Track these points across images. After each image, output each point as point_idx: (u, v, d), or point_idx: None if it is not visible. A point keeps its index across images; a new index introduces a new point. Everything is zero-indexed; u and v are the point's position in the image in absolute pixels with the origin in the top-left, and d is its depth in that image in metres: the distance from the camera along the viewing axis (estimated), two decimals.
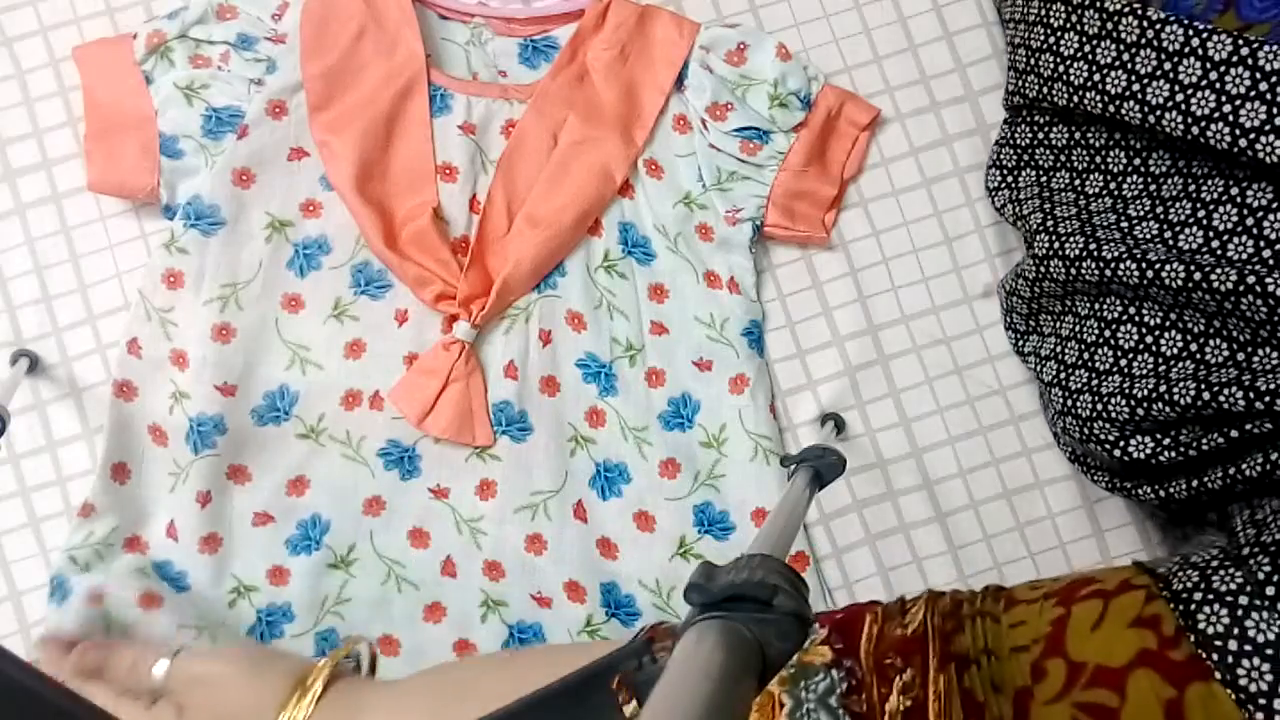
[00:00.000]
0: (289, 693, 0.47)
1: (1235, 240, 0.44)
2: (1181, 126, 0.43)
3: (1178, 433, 0.46)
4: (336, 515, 0.57)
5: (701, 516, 0.57)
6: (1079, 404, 0.50)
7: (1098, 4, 0.47)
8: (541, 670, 0.42)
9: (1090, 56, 0.47)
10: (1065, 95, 0.49)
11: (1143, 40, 0.45)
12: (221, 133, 0.57)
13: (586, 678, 0.38)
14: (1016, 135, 0.56)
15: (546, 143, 0.58)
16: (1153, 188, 0.48)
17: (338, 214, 0.57)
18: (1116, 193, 0.50)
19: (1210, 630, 0.33)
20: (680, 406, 0.58)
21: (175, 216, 0.57)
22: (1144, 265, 0.46)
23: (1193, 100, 0.43)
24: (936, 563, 0.59)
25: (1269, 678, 0.32)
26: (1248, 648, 0.32)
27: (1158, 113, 0.44)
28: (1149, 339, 0.48)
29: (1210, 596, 0.34)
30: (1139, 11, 0.45)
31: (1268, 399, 0.41)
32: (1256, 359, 0.43)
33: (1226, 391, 0.42)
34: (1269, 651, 0.32)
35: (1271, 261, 0.42)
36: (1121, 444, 0.48)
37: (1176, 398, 0.44)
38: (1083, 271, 0.49)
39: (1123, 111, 0.46)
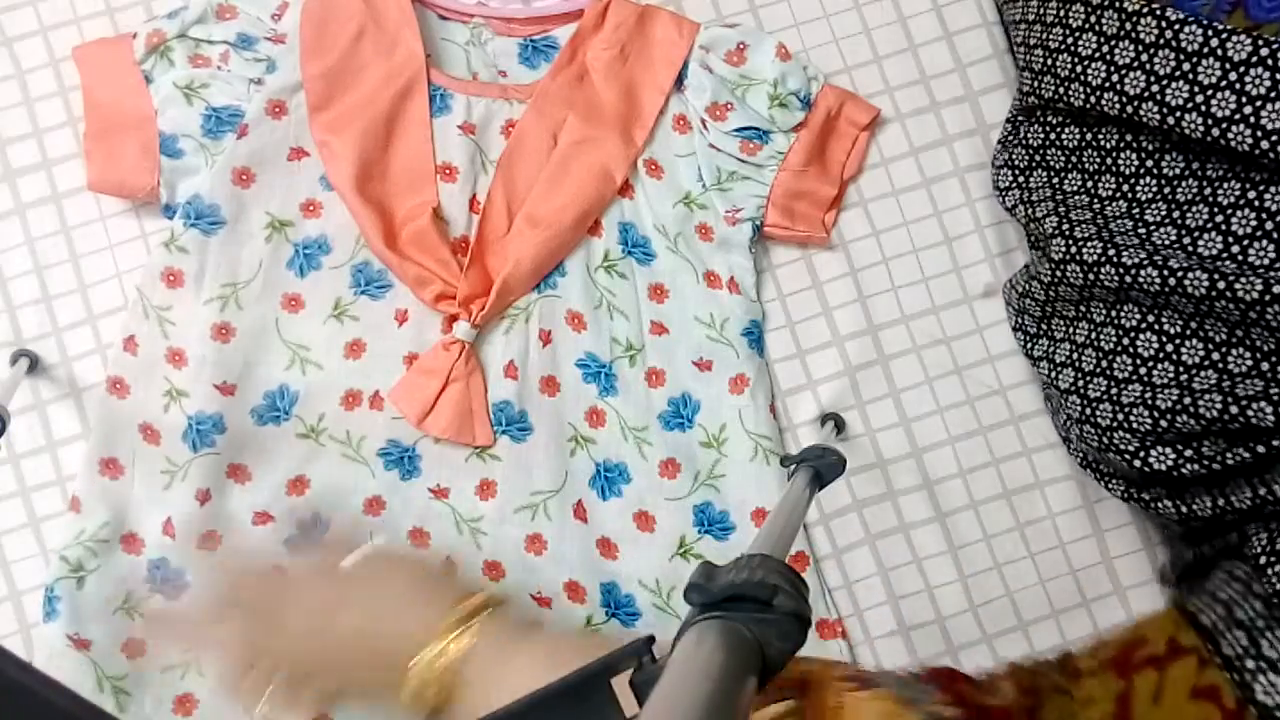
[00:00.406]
0: (448, 619, 0.45)
1: (1255, 245, 0.43)
2: (1201, 128, 0.43)
3: (1200, 445, 0.45)
4: (337, 515, 0.57)
5: (701, 516, 0.57)
6: (1099, 412, 0.50)
7: (1117, 4, 0.47)
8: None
9: (1109, 57, 0.47)
10: (1082, 95, 0.49)
11: (1161, 41, 0.44)
12: (221, 132, 0.57)
13: (586, 678, 0.38)
14: (1029, 135, 0.56)
15: (546, 143, 0.58)
16: (1166, 190, 0.48)
17: (338, 214, 0.57)
18: (1130, 195, 0.50)
19: (1270, 702, 0.34)
20: (680, 406, 0.58)
21: (175, 216, 0.57)
22: (1165, 272, 0.45)
23: (1213, 101, 0.42)
24: (936, 563, 0.59)
25: None
26: None
27: (1177, 114, 0.44)
28: (1169, 347, 0.47)
29: (1264, 665, 0.34)
30: (1158, 12, 0.44)
31: None
32: None
33: (1255, 406, 0.41)
34: None
35: None
36: (1142, 454, 0.47)
37: (1202, 411, 0.44)
38: (1101, 277, 0.48)
39: (1141, 112, 0.46)
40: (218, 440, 0.55)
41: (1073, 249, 0.50)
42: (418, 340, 0.57)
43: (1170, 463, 0.46)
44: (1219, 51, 0.42)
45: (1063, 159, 0.54)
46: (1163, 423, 0.46)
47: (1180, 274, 0.44)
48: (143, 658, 0.55)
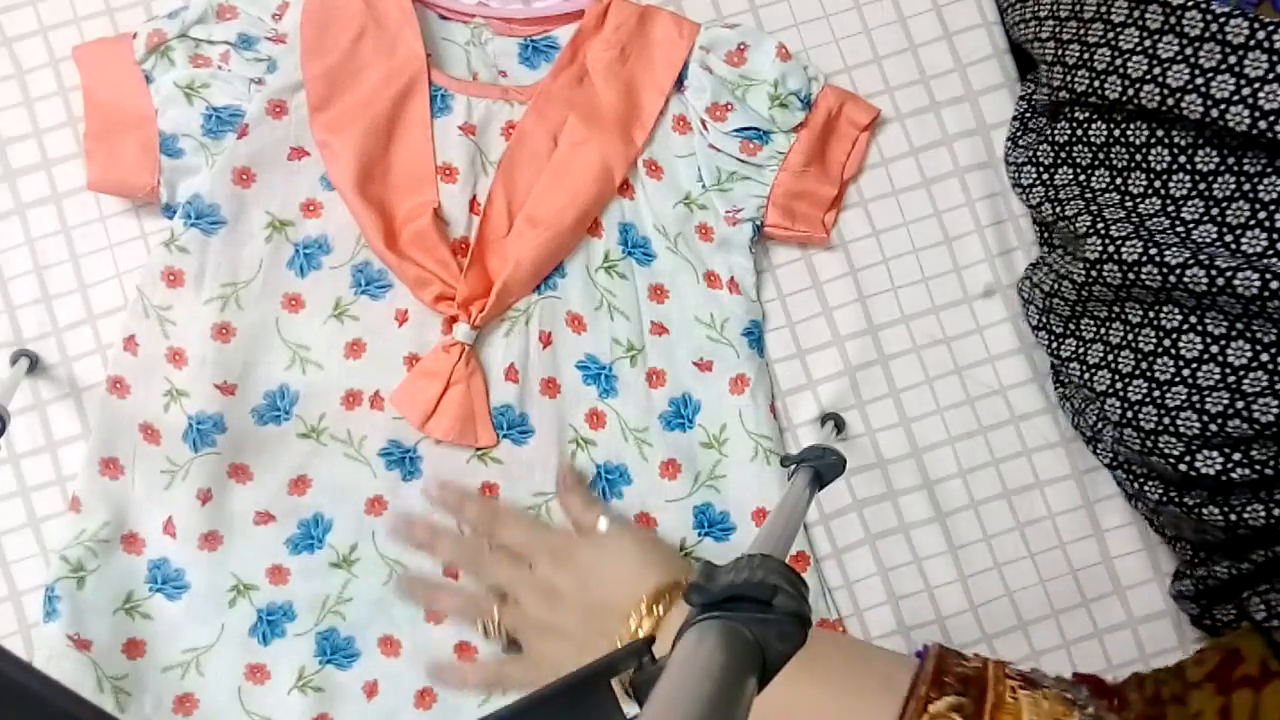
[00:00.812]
0: (652, 597, 0.49)
1: None
2: (1247, 121, 0.43)
3: (1249, 448, 0.45)
4: (339, 515, 0.57)
5: (701, 518, 0.57)
6: (1142, 416, 0.49)
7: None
8: (887, 660, 0.45)
9: (1151, 51, 0.47)
10: (1119, 89, 0.49)
11: (1207, 34, 0.44)
12: (222, 132, 0.57)
13: (586, 678, 0.38)
14: (1055, 132, 0.56)
15: (547, 144, 0.58)
16: (1202, 186, 0.47)
17: (338, 214, 0.57)
18: (1164, 193, 0.49)
19: None
20: (681, 407, 0.58)
21: (175, 215, 0.57)
22: (1214, 272, 0.44)
23: (1260, 94, 0.42)
24: (936, 563, 0.59)
25: None
26: None
27: (1221, 106, 0.44)
28: (1214, 349, 0.46)
29: None
30: (1203, 5, 0.44)
31: None
32: None
33: None
34: None
35: None
36: (1188, 459, 0.47)
37: (1256, 415, 0.43)
38: (1143, 277, 0.48)
39: (1183, 105, 0.45)
40: (218, 440, 0.55)
41: (1109, 248, 0.49)
42: (418, 341, 0.57)
43: (1218, 467, 0.46)
44: (1265, 44, 0.42)
45: (1089, 155, 0.54)
46: (1212, 426, 0.45)
47: (1230, 274, 0.44)
48: (143, 658, 0.55)
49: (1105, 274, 0.50)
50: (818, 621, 0.57)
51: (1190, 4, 0.45)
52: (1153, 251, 0.47)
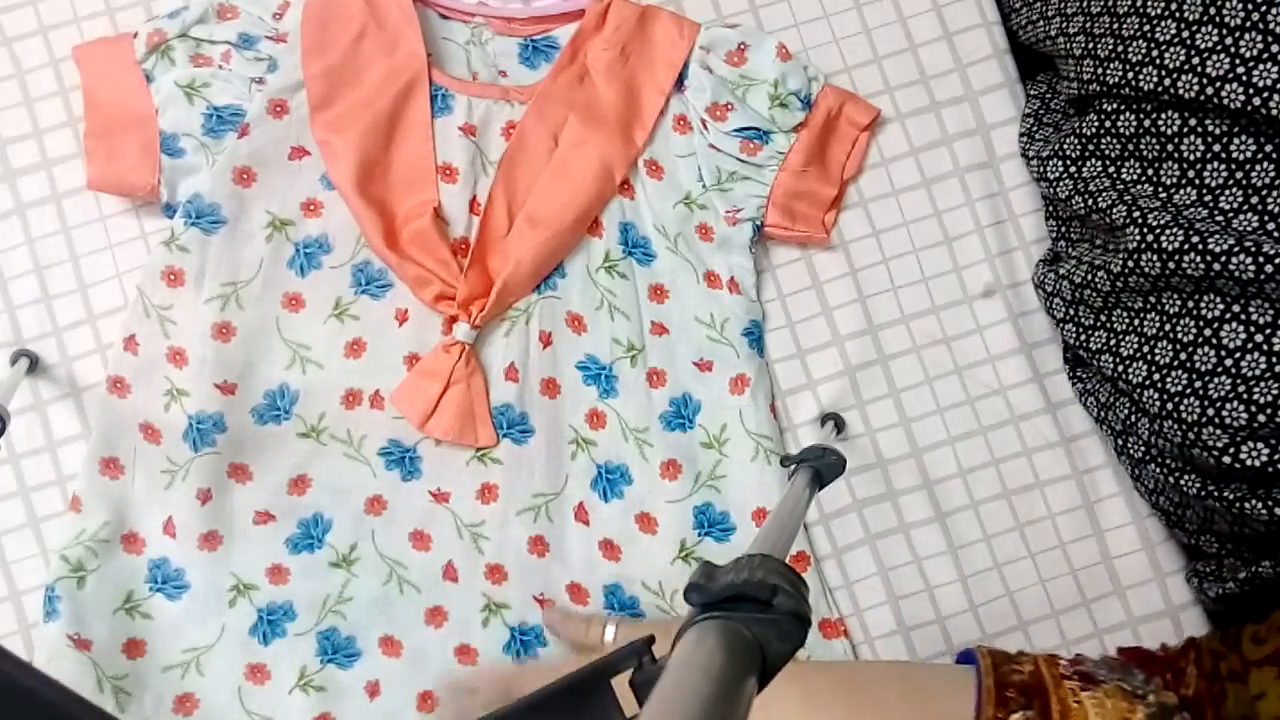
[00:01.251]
0: None
1: None
2: None
3: None
4: (338, 514, 0.57)
5: (701, 518, 0.57)
6: (1183, 408, 0.48)
7: None
8: (943, 683, 0.44)
9: (1190, 42, 0.46)
10: (1154, 79, 0.48)
11: (1248, 24, 0.44)
12: (222, 131, 0.57)
13: (586, 678, 0.38)
14: (1083, 125, 0.55)
15: (547, 144, 0.58)
16: (1239, 175, 0.47)
17: (338, 213, 0.57)
18: (1199, 182, 0.48)
19: None
20: (681, 407, 0.58)
21: (176, 215, 0.57)
22: (1261, 259, 0.44)
23: None
24: (936, 563, 0.59)
25: None
26: None
27: (1264, 94, 0.43)
28: (1259, 337, 0.45)
29: None
30: None
31: None
32: None
33: None
34: None
35: None
36: (1232, 450, 0.46)
37: None
38: (1184, 265, 0.47)
39: (1223, 95, 0.45)
40: (218, 440, 0.55)
41: (1149, 237, 0.49)
42: (418, 340, 0.57)
43: (1264, 459, 0.45)
44: None
45: (1118, 147, 0.53)
46: (1260, 417, 0.45)
47: (1278, 260, 0.43)
48: (143, 658, 0.55)
49: (1144, 263, 0.49)
50: (818, 622, 0.57)
51: None
52: (1195, 239, 0.47)
